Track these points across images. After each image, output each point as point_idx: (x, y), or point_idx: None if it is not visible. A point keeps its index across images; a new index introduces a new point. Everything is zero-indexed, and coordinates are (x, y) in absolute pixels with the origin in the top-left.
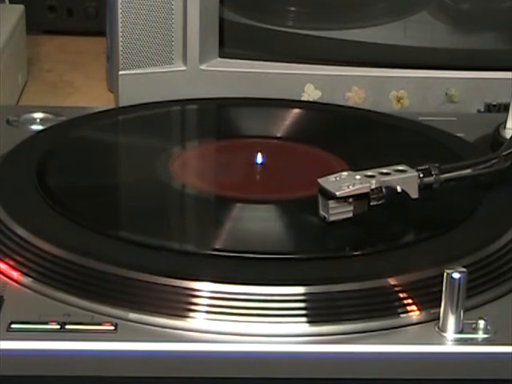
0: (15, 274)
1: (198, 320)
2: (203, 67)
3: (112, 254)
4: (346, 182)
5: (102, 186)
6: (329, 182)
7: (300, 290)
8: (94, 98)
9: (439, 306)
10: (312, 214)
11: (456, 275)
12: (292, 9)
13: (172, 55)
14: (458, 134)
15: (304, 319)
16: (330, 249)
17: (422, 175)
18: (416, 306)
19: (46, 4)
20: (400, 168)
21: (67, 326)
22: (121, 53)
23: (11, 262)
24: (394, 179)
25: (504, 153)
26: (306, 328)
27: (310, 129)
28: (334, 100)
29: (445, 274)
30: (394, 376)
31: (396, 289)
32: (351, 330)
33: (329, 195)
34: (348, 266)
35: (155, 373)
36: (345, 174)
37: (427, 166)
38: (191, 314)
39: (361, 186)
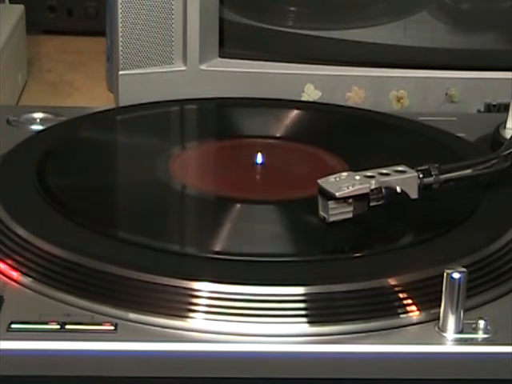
0: (15, 274)
1: (197, 320)
2: (203, 67)
3: (112, 254)
4: (346, 183)
5: (102, 186)
6: (328, 182)
7: (300, 290)
8: (94, 98)
9: (439, 306)
10: (312, 215)
11: (456, 275)
12: (292, 9)
13: (172, 55)
14: (458, 134)
15: (304, 319)
16: (330, 249)
17: (421, 176)
18: (416, 306)
19: (45, 4)
20: (400, 168)
21: (67, 326)
22: (121, 53)
23: (11, 262)
24: (393, 180)
25: (504, 153)
26: (306, 328)
27: (310, 129)
28: (334, 100)
29: (445, 274)
30: (394, 376)
31: (396, 289)
32: (351, 330)
33: (328, 196)
34: (348, 267)
35: (155, 373)
36: (344, 174)
37: (427, 167)
38: (191, 314)
39: (360, 186)
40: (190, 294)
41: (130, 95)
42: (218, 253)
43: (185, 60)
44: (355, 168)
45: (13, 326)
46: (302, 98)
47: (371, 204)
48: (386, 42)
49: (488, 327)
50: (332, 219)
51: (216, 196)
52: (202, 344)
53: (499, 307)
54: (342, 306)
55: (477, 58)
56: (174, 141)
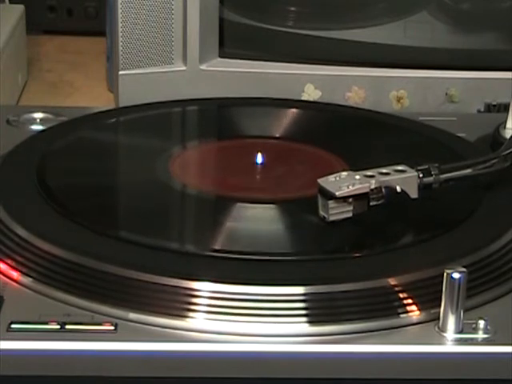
0: (15, 274)
1: (197, 320)
2: (203, 67)
3: (112, 254)
4: (346, 182)
5: (102, 186)
6: (328, 182)
7: (300, 290)
8: (94, 98)
9: (439, 305)
10: (312, 214)
11: (456, 275)
12: (292, 9)
13: (172, 55)
14: (458, 134)
15: (304, 319)
16: (330, 249)
17: (421, 175)
18: (416, 305)
19: (46, 4)
20: (400, 168)
21: (67, 326)
22: (121, 53)
23: (11, 262)
24: (393, 179)
25: (504, 153)
26: (306, 328)
27: (310, 129)
28: (334, 100)
29: (445, 274)
30: (394, 376)
31: (396, 289)
32: (351, 330)
33: (328, 195)
34: (348, 266)
35: (155, 373)
36: (344, 174)
37: (427, 166)
38: (191, 314)
39: (360, 186)
40: (190, 293)
41: (130, 95)
42: (217, 252)
43: (185, 60)
44: (355, 168)
45: (13, 326)
46: (302, 98)
47: (371, 203)
48: (386, 41)
49: (488, 327)
50: (332, 219)
51: (216, 196)
52: (202, 344)
53: (499, 307)
54: (342, 305)
55: (477, 58)
56: (174, 141)
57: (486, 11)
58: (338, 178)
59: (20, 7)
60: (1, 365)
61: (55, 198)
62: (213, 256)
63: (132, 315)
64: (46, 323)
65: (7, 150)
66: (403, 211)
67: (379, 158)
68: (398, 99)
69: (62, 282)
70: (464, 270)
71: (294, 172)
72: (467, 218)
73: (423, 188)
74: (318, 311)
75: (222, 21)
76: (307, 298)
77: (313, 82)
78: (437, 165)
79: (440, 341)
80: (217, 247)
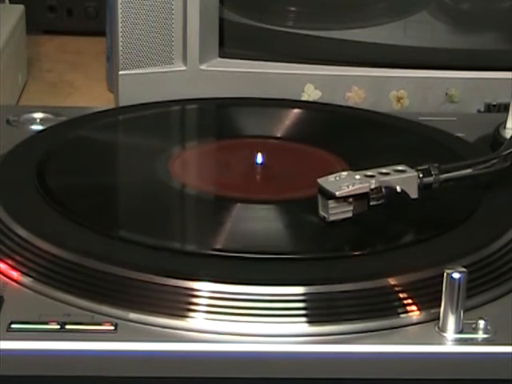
0: (15, 274)
1: (197, 320)
2: (203, 67)
3: (112, 254)
4: (346, 182)
5: (102, 186)
6: (328, 181)
7: (300, 290)
8: (94, 98)
9: (439, 306)
10: (312, 214)
11: (456, 275)
12: (292, 9)
13: (172, 55)
14: (458, 134)
15: (304, 319)
16: (330, 249)
17: (421, 175)
18: (416, 305)
19: (45, 4)
20: (399, 168)
21: (67, 326)
22: (121, 53)
23: (11, 262)
24: (393, 179)
25: (504, 153)
26: (306, 328)
27: (310, 129)
28: (333, 100)
29: (445, 274)
30: (394, 376)
31: (396, 289)
32: (351, 330)
33: (328, 195)
34: (348, 266)
35: (155, 373)
36: (344, 173)
37: (427, 166)
38: (191, 314)
39: (360, 185)
40: (190, 293)
41: (130, 95)
42: (217, 253)
43: (185, 60)
44: (355, 168)
45: (13, 326)
46: (302, 98)
47: (371, 203)
48: (386, 41)
49: (488, 327)
50: (332, 218)
51: (216, 196)
52: (202, 344)
53: (499, 307)
54: (342, 305)
55: (477, 58)
56: (174, 141)
57: (486, 11)
58: (337, 178)
59: (20, 7)
60: (1, 365)
61: (55, 198)
62: (213, 256)
63: (132, 315)
64: (46, 323)
65: (7, 150)
66: (403, 211)
67: (379, 158)
68: (398, 99)
69: (62, 282)
70: (464, 270)
71: (293, 172)
72: (467, 218)
73: (423, 188)
74: (318, 311)
75: (222, 21)
76: (307, 298)
77: (313, 82)
78: (437, 165)
79: (440, 341)
80: (217, 247)
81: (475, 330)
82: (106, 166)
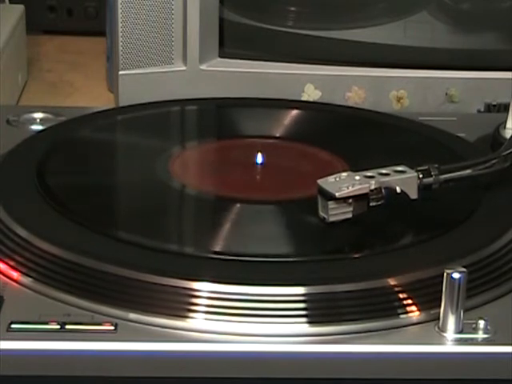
0: (15, 274)
1: (197, 320)
2: (203, 67)
3: (112, 254)
4: (346, 183)
5: (102, 186)
6: (328, 182)
7: (300, 290)
8: (94, 98)
9: (439, 306)
10: (312, 215)
11: (456, 275)
12: (292, 9)
13: (172, 55)
14: (458, 134)
15: (304, 319)
16: (330, 249)
17: (421, 176)
18: (416, 306)
19: (46, 4)
20: (399, 169)
21: (67, 326)
22: (121, 53)
23: (11, 262)
24: (393, 180)
25: (504, 153)
26: (306, 328)
27: (310, 129)
28: (333, 100)
29: (445, 274)
30: (394, 376)
31: (396, 289)
32: (351, 330)
33: (328, 196)
34: (348, 267)
35: (155, 373)
36: (344, 174)
37: (427, 167)
38: (191, 314)
39: (360, 186)
40: (190, 294)
41: (130, 95)
42: (217, 253)
43: (185, 60)
44: (355, 168)
45: (13, 325)
46: (302, 98)
47: (371, 204)
48: (386, 41)
49: (488, 327)
50: (332, 219)
51: (216, 196)
52: (202, 344)
53: (499, 307)
54: (342, 306)
55: (477, 58)
56: (174, 141)
57: (486, 11)
58: (337, 179)
59: (20, 7)
60: (1, 365)
61: (55, 198)
62: (213, 256)
63: (132, 315)
64: (46, 323)
65: (7, 150)
66: (403, 212)
67: (379, 158)
68: (398, 99)
69: (61, 282)
70: (464, 270)
71: (293, 172)
72: (467, 218)
73: (423, 188)
74: (318, 311)
75: (222, 21)
76: (307, 298)
77: (313, 82)
78: (437, 165)
79: (440, 341)
80: (217, 247)
81: (475, 329)
82: (106, 166)
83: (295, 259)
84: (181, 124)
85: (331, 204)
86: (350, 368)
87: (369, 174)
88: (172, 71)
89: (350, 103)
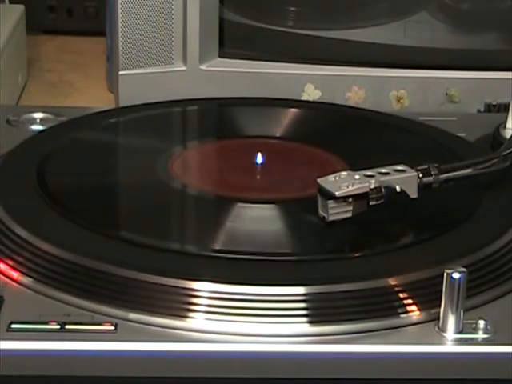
0: (15, 274)
1: (197, 320)
2: (203, 67)
3: (112, 254)
4: (345, 182)
5: (102, 187)
6: (328, 181)
7: (300, 290)
8: (94, 98)
9: (439, 306)
10: (311, 214)
11: (456, 275)
12: (292, 9)
13: (172, 55)
14: (458, 134)
15: (304, 319)
16: (330, 249)
17: (421, 175)
18: (416, 305)
19: (45, 4)
20: (399, 168)
21: (67, 326)
22: (121, 53)
23: (11, 262)
24: (393, 179)
25: (503, 153)
26: (306, 328)
27: (309, 129)
28: (334, 100)
29: (445, 274)
30: (394, 376)
31: (396, 289)
32: (351, 330)
33: (328, 195)
34: (348, 266)
35: (155, 373)
36: (344, 173)
37: (426, 166)
38: (191, 314)
39: (360, 185)
40: (190, 294)
41: (130, 95)
42: (217, 253)
43: (185, 60)
44: (355, 168)
45: (13, 326)
46: (302, 98)
47: (371, 203)
48: (386, 42)
49: (488, 327)
50: (331, 218)
51: (216, 196)
52: (202, 344)
53: (499, 307)
54: (342, 305)
55: (477, 58)
56: (174, 141)
57: (486, 11)
58: (337, 178)
59: (20, 7)
60: (1, 365)
61: (55, 198)
62: (213, 256)
63: (132, 315)
64: (46, 323)
65: (7, 150)
66: (403, 211)
67: (379, 157)
68: (398, 99)
69: (61, 282)
70: (464, 270)
71: (293, 172)
72: (467, 218)
73: (423, 188)
74: (318, 311)
75: (222, 21)
76: (307, 298)
77: (313, 81)
78: (436, 165)
79: (440, 341)
80: (217, 247)
81: (475, 329)
82: (106, 166)
83: (295, 259)
84: (181, 124)
85: (331, 203)
86: (350, 368)
87: (369, 173)
88: (172, 71)
89: (350, 103)
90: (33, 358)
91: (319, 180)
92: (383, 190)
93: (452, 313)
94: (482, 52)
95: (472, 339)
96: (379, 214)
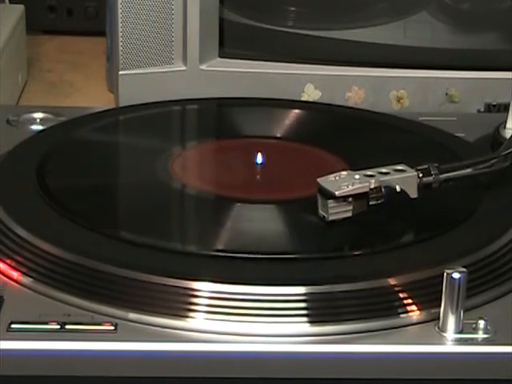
0: (15, 274)
1: (197, 320)
2: (203, 67)
3: (112, 254)
4: (345, 182)
5: (102, 186)
6: (328, 181)
7: (300, 290)
8: (94, 98)
9: (439, 306)
10: (312, 214)
11: (456, 275)
12: (292, 9)
13: (172, 55)
14: (458, 134)
15: (304, 319)
16: (330, 249)
17: (421, 175)
18: (416, 305)
19: (46, 4)
20: (399, 168)
21: (67, 326)
22: (121, 53)
23: (11, 262)
24: (393, 179)
25: (503, 153)
26: (307, 328)
27: (310, 129)
28: (334, 100)
29: (445, 274)
30: (394, 376)
31: (396, 289)
32: (351, 330)
33: (328, 195)
34: (348, 266)
35: (155, 373)
36: (344, 173)
37: (426, 166)
38: (191, 314)
39: (360, 185)
40: (190, 293)
41: (130, 95)
42: (218, 252)
43: (185, 60)
44: (355, 167)
45: (13, 326)
46: (302, 98)
47: (371, 203)
48: (386, 42)
49: (488, 327)
50: (331, 218)
51: (216, 196)
52: (202, 344)
53: (499, 307)
54: (343, 305)
55: (477, 58)
56: (174, 141)
57: (486, 11)
58: (337, 178)
59: (20, 7)
60: (1, 365)
61: (55, 198)
62: (213, 256)
63: (132, 315)
64: (46, 323)
65: (7, 150)
66: (403, 211)
67: (379, 157)
68: (398, 99)
69: (61, 282)
70: (464, 270)
71: (293, 172)
72: (467, 218)
73: (423, 188)
74: (319, 311)
75: (222, 21)
76: (307, 298)
77: (313, 81)
78: (436, 164)
79: (440, 341)
80: (217, 247)
81: (475, 329)
82: (106, 166)
83: (295, 259)
84: (181, 124)
85: (331, 203)
86: (350, 368)
87: (369, 172)
88: (172, 71)
89: (350, 103)
90: (33, 358)
91: (319, 180)
92: (383, 189)
93: (452, 313)
94: (482, 52)
95: (472, 339)
96: (379, 213)
